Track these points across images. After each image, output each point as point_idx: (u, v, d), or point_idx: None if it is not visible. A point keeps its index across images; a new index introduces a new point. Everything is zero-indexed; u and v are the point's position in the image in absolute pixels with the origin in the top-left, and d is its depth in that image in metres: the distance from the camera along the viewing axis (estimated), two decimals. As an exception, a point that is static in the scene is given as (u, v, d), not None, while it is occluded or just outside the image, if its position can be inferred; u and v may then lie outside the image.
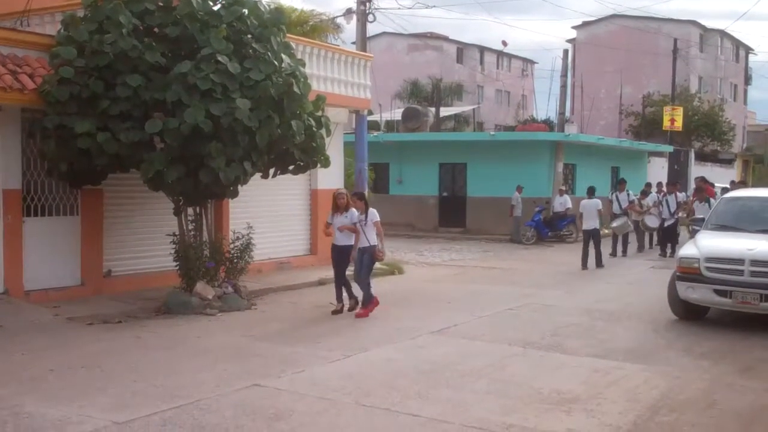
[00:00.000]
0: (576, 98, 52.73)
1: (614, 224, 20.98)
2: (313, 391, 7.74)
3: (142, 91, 11.12)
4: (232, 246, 13.08)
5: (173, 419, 6.79)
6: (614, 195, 22.19)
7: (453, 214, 28.37)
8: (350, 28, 26.69)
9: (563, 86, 35.72)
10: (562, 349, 9.88)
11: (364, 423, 6.82)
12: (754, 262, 10.87)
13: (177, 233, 12.42)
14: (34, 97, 11.25)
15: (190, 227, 12.63)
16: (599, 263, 18.41)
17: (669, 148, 38.38)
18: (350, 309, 12.19)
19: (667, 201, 21.38)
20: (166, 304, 12.08)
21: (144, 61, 11.18)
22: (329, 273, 16.04)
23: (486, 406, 7.31)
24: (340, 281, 12.24)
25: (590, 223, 18.22)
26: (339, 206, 12.01)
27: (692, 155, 42.63)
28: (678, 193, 21.79)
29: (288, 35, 13.39)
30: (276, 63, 11.85)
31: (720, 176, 37.74)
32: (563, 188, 25.94)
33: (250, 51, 11.80)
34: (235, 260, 12.98)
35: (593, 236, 18.19)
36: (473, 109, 50.36)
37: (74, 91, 11.06)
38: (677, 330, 11.28)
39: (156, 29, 11.71)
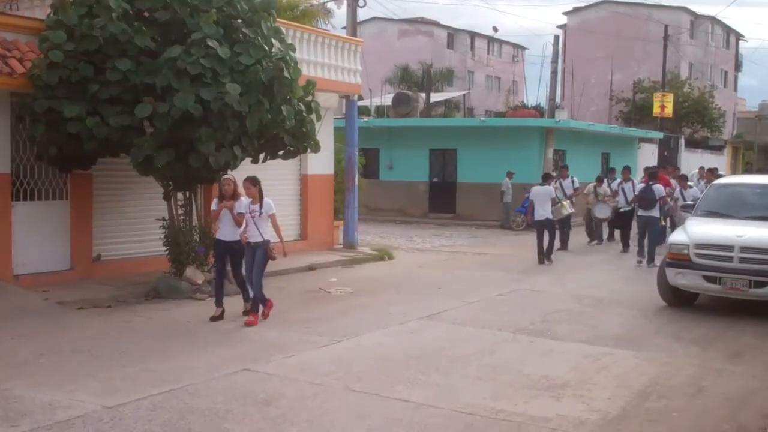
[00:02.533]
0: (566, 84, 52.73)
1: (564, 213, 18.98)
2: (303, 376, 7.75)
3: (131, 75, 11.07)
4: (222, 231, 13.04)
5: (163, 404, 6.80)
6: (558, 182, 20.08)
7: (443, 199, 28.37)
8: (341, 13, 26.69)
9: (554, 72, 35.71)
10: (551, 334, 9.92)
11: (354, 408, 6.84)
12: (744, 249, 10.93)
13: (166, 218, 12.38)
14: (23, 81, 11.19)
15: (180, 212, 12.59)
16: (548, 257, 16.93)
17: (659, 135, 38.46)
18: (245, 312, 10.61)
19: (623, 189, 19.51)
20: (155, 289, 12.07)
21: (134, 46, 11.11)
22: (319, 258, 16.19)
23: (475, 392, 7.34)
24: (223, 281, 10.76)
25: (542, 212, 16.75)
26: (225, 194, 10.54)
27: (682, 142, 42.73)
28: (634, 181, 19.85)
29: (278, 20, 13.32)
30: (266, 48, 11.80)
31: (710, 163, 37.82)
32: (553, 174, 25.95)
33: (240, 36, 11.74)
34: (225, 245, 12.94)
35: (546, 227, 16.89)
36: (464, 95, 50.35)
37: (64, 75, 10.99)
38: (666, 316, 11.35)
39: (146, 13, 11.63)
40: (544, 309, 11.62)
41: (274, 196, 16.46)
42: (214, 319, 10.40)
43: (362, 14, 22.74)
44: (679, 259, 11.43)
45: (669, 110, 42.65)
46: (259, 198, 10.35)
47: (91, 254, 13.12)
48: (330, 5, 27.66)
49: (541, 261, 16.78)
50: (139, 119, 11.00)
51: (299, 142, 13.00)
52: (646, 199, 16.58)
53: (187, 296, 11.86)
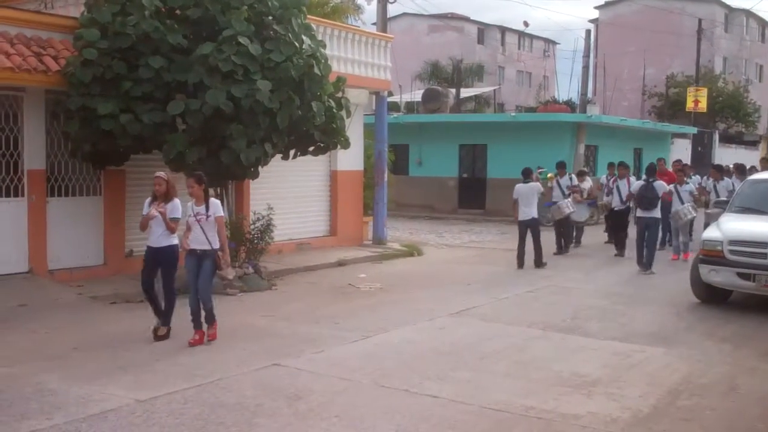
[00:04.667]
0: (598, 79, 52.27)
1: (565, 212, 17.53)
2: (332, 372, 7.79)
3: (164, 72, 11.18)
4: (252, 227, 13.14)
5: (194, 398, 6.87)
6: (555, 180, 18.76)
7: (473, 195, 28.29)
8: (371, 9, 26.69)
9: (585, 67, 35.43)
10: (582, 331, 9.86)
11: (383, 403, 6.85)
12: (779, 246, 10.76)
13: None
14: (58, 79, 11.36)
15: (212, 208, 12.68)
16: (539, 261, 15.40)
17: (693, 130, 38.03)
18: (156, 331, 9.15)
19: (618, 187, 17.43)
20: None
21: (166, 43, 11.22)
22: (348, 254, 16.22)
23: (505, 389, 7.32)
24: (152, 293, 9.26)
25: (527, 211, 15.17)
26: (157, 194, 9.10)
27: (716, 137, 42.19)
28: (630, 178, 17.61)
29: (308, 16, 13.38)
30: (297, 44, 11.85)
31: (744, 158, 37.28)
32: (585, 170, 25.75)
33: (271, 32, 11.81)
34: (256, 241, 13.05)
35: (531, 227, 15.27)
36: (494, 90, 50.08)
37: (97, 73, 11.13)
38: (699, 313, 11.22)
39: (178, 11, 11.74)
40: (575, 306, 11.55)
41: (304, 192, 16.74)
42: (159, 338, 8.99)
43: (392, 10, 22.78)
44: (713, 256, 11.29)
45: (703, 105, 42.14)
46: (204, 199, 9.01)
47: (123, 250, 13.26)
48: (360, 1, 27.76)
49: (520, 265, 15.22)
50: (172, 116, 11.12)
51: (329, 138, 13.05)
52: (646, 198, 14.68)
53: (218, 291, 11.88)
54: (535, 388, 7.36)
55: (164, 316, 9.20)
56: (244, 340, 9.11)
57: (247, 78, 11.18)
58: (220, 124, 11.18)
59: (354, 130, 15.97)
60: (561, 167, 19.08)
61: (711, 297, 11.68)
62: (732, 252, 11.09)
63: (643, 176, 16.01)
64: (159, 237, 9.05)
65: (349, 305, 11.47)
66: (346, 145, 13.67)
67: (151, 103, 11.23)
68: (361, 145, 18.06)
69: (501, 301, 11.92)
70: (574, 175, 19.14)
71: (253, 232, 13.08)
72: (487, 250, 18.75)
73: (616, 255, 17.28)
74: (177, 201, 9.12)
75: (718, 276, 11.28)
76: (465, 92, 43.07)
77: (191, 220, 8.90)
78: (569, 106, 38.97)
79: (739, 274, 11.01)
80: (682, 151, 35.67)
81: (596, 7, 61.99)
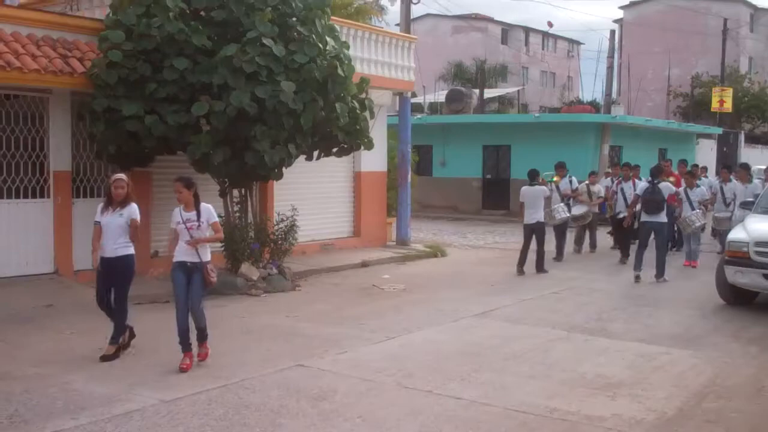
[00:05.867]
0: (623, 79, 51.92)
1: (556, 217, 16.63)
2: (356, 372, 7.79)
3: (188, 74, 11.24)
4: (276, 228, 13.17)
5: (218, 398, 6.90)
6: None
7: (497, 196, 28.24)
8: (394, 10, 26.69)
9: (610, 67, 35.24)
10: (606, 333, 9.80)
11: (406, 404, 6.84)
12: (806, 247, 10.64)
13: (222, 215, 12.52)
14: (83, 81, 11.45)
15: (236, 209, 12.75)
16: (540, 266, 14.90)
17: (718, 130, 37.69)
18: (111, 354, 8.23)
19: (622, 189, 16.94)
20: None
21: (190, 45, 11.29)
22: (372, 255, 16.22)
23: (529, 390, 7.29)
24: (108, 307, 8.42)
25: (534, 215, 14.65)
26: (114, 198, 8.26)
27: (742, 137, 41.78)
28: (636, 180, 17.01)
29: (332, 17, 13.39)
30: (320, 46, 11.88)
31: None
32: (609, 171, 25.58)
33: (295, 34, 11.84)
34: (280, 242, 13.08)
35: (536, 232, 14.71)
36: (518, 91, 49.95)
37: (122, 74, 11.21)
38: (725, 315, 11.12)
39: (202, 12, 11.80)
40: (599, 307, 11.48)
41: (327, 193, 16.77)
42: (106, 358, 8.13)
43: (415, 11, 22.78)
44: (739, 257, 11.18)
45: (728, 105, 41.77)
46: (195, 204, 8.07)
47: (148, 250, 13.31)
48: (383, 2, 27.76)
49: (520, 271, 14.64)
50: (196, 117, 11.18)
51: (353, 139, 13.06)
52: (652, 201, 13.65)
53: (242, 292, 12.01)
54: (559, 389, 7.33)
55: (114, 332, 8.31)
56: (267, 340, 9.15)
57: (271, 79, 11.22)
58: (244, 125, 11.23)
59: (377, 131, 15.98)
60: (560, 168, 18.21)
61: (737, 298, 11.57)
62: (758, 253, 10.98)
63: (647, 178, 15.22)
64: (116, 246, 8.21)
65: (372, 306, 11.48)
66: (369, 146, 13.68)
67: (176, 104, 11.30)
68: (384, 146, 18.07)
69: (525, 303, 11.87)
70: (574, 178, 18.06)
71: (276, 233, 13.12)
72: (510, 252, 18.60)
73: (620, 262, 16.43)
74: (135, 206, 8.34)
75: (744, 277, 11.17)
76: (488, 93, 42.97)
77: (180, 227, 7.98)
78: (593, 106, 38.75)
79: (766, 276, 10.90)
80: (707, 151, 35.38)
81: (621, 7, 61.61)
